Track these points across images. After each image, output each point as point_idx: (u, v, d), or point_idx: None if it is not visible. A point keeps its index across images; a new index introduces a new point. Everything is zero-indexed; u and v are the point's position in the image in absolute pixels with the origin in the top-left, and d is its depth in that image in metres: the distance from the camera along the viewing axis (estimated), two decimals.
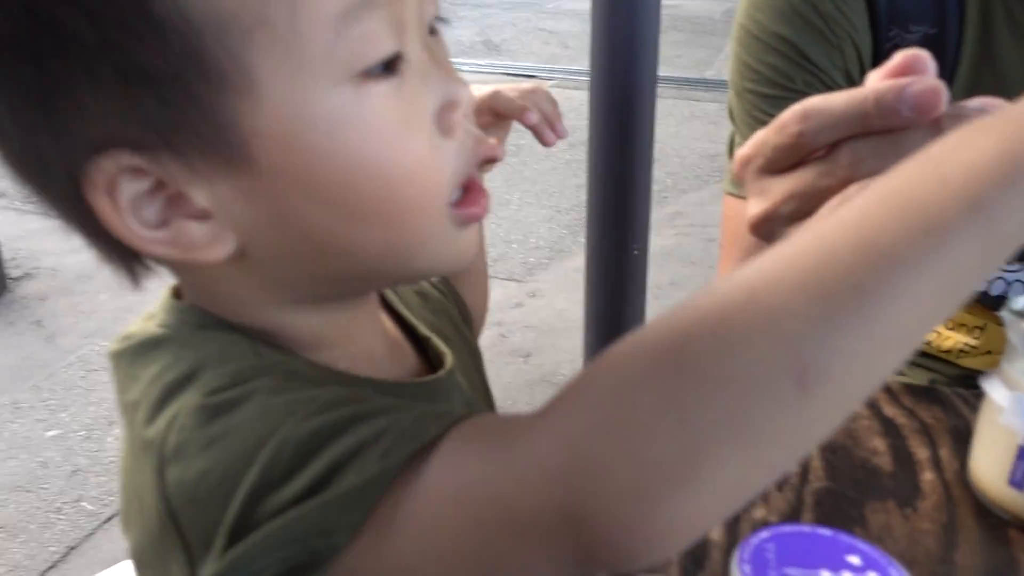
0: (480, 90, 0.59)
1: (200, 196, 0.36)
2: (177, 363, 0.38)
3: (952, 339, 0.87)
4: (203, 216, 0.37)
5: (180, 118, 0.34)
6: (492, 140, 0.43)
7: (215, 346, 0.39)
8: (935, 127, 0.39)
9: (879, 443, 0.59)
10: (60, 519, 1.76)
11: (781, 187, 0.43)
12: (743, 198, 0.81)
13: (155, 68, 0.33)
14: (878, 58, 0.74)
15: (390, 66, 0.36)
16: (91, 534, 1.73)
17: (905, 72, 0.40)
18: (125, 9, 0.32)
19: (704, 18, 6.58)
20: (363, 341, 0.46)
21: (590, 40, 1.54)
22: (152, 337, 0.41)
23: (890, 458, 0.57)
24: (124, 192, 0.35)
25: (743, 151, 0.46)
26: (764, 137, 0.44)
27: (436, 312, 0.57)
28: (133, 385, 0.39)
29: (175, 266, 0.42)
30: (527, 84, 0.61)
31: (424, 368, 0.51)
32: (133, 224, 0.36)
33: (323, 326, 0.43)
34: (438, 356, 0.51)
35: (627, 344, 0.29)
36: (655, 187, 3.54)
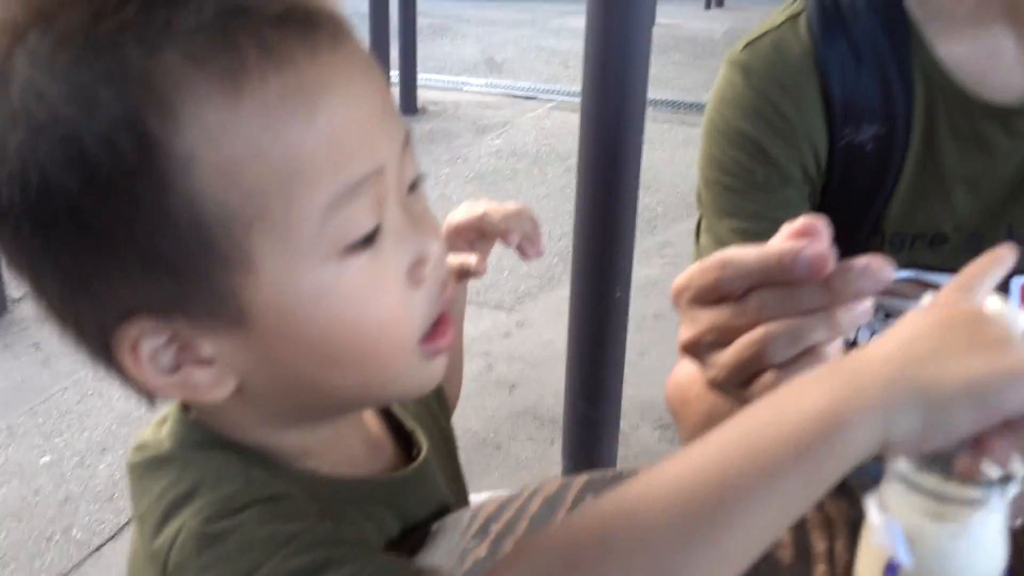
0: (471, 210, 0.67)
1: (206, 347, 0.43)
2: (179, 482, 0.45)
3: None
4: (208, 363, 0.44)
5: (192, 292, 0.41)
6: (453, 287, 0.50)
7: (212, 466, 0.46)
8: (825, 282, 0.45)
9: (786, 535, 0.63)
10: (50, 548, 1.81)
11: (704, 319, 0.49)
12: None
13: (172, 255, 0.40)
14: (833, 153, 0.80)
15: (369, 237, 0.43)
16: (80, 564, 1.77)
17: (805, 235, 0.46)
18: (150, 211, 0.39)
19: (704, 39, 6.63)
20: (344, 446, 0.53)
21: (582, 73, 1.59)
22: (160, 455, 0.48)
23: (792, 550, 0.62)
24: (144, 348, 0.42)
25: (678, 282, 0.52)
26: (691, 275, 0.50)
27: (417, 400, 0.63)
28: (143, 498, 0.46)
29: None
30: (512, 206, 0.68)
31: (402, 458, 0.58)
32: (150, 372, 0.43)
33: (308, 440, 0.50)
34: (416, 445, 0.58)
35: (536, 542, 0.37)
36: (645, 215, 3.61)
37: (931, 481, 0.42)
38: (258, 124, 0.39)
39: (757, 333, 0.47)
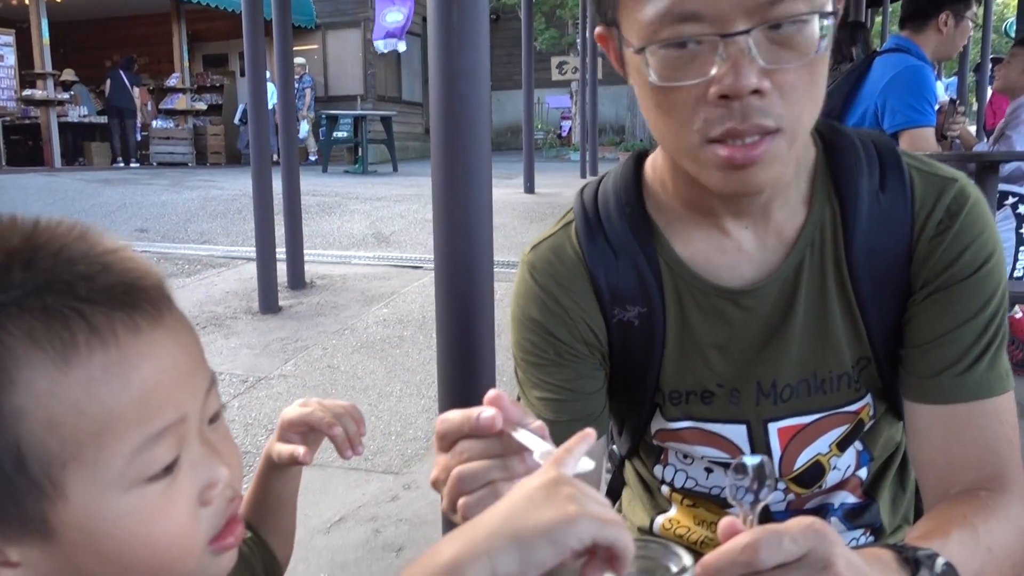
0: (302, 407, 0.79)
1: (13, 553, 0.50)
2: None
3: (696, 533, 1.04)
4: (13, 565, 0.50)
5: (6, 512, 0.48)
6: (236, 508, 0.58)
7: None
8: (500, 435, 0.61)
9: None
10: None
11: (440, 460, 0.62)
12: None
13: (3, 498, 0.47)
14: (610, 328, 0.96)
15: (168, 467, 0.52)
16: None
17: (490, 403, 0.61)
18: None
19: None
20: None
21: (432, 241, 1.75)
22: None
23: None
24: None
25: (437, 430, 0.65)
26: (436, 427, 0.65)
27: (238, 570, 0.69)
28: None
29: None
30: (341, 405, 0.81)
31: None
32: None
33: None
34: None
35: None
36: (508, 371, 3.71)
37: None
38: (80, 390, 0.47)
39: (454, 472, 0.62)
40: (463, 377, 1.79)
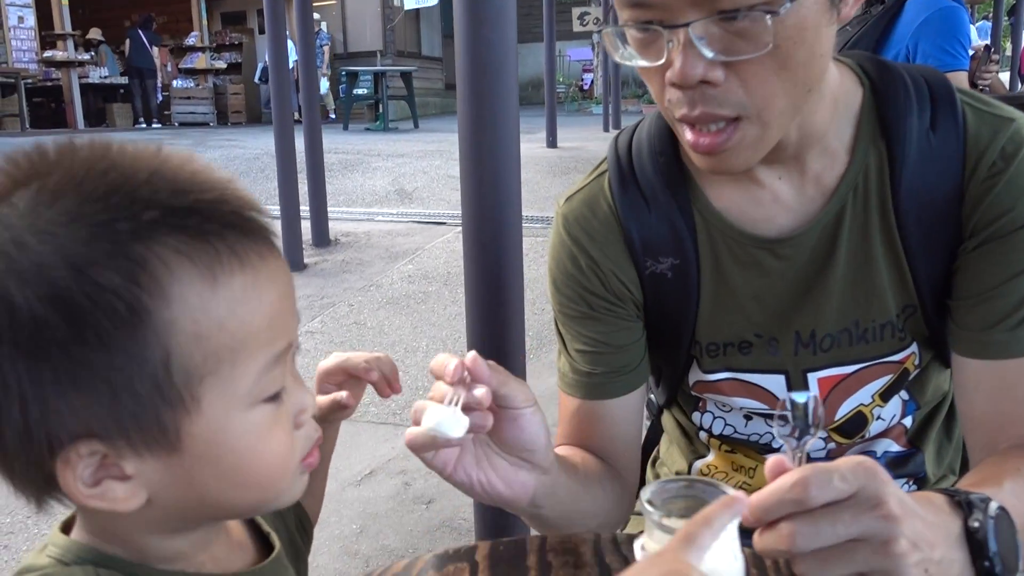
0: (338, 357, 0.81)
1: (129, 466, 0.51)
2: None
3: (734, 479, 1.04)
4: (127, 478, 0.51)
5: (144, 424, 0.50)
6: (319, 433, 0.61)
7: None
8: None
9: None
10: None
11: None
12: (569, 394, 0.98)
13: (137, 394, 0.49)
14: (643, 281, 0.95)
15: (275, 395, 0.55)
16: None
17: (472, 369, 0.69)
18: (128, 359, 0.48)
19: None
20: (212, 549, 0.61)
21: (457, 197, 1.73)
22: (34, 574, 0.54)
23: None
24: (81, 466, 0.50)
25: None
26: None
27: (275, 514, 0.72)
28: None
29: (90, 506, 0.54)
30: (376, 353, 0.82)
31: (261, 557, 0.66)
32: (79, 486, 0.50)
33: (184, 545, 0.58)
34: (272, 545, 0.66)
35: None
36: (545, 333, 3.74)
37: (676, 523, 0.54)
38: (224, 307, 0.51)
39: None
40: (493, 332, 1.79)
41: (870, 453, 0.99)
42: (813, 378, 0.94)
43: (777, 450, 0.99)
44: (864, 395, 0.94)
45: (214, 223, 0.51)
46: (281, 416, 0.55)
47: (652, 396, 1.16)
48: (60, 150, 0.51)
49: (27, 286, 0.46)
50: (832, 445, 0.98)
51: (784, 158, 0.86)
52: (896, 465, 1.00)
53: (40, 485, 0.52)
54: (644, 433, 1.19)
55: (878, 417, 0.96)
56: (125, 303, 0.47)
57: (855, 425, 0.97)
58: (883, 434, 0.99)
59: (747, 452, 1.03)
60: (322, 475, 0.87)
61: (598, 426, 0.98)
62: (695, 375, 0.99)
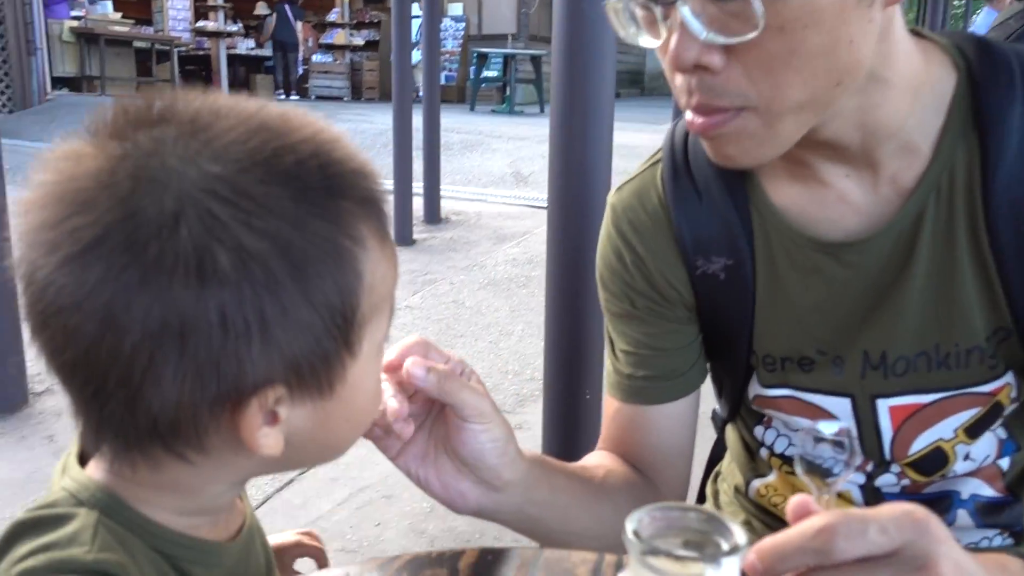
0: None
1: (284, 410, 0.52)
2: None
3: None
4: (275, 423, 0.52)
5: (327, 366, 0.52)
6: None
7: (78, 527, 0.50)
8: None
9: None
10: None
11: None
12: (611, 395, 0.92)
13: (332, 338, 0.52)
14: (694, 281, 0.86)
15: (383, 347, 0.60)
16: None
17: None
18: (327, 298, 0.51)
19: None
20: (222, 513, 0.60)
21: (548, 176, 1.69)
22: (50, 513, 0.52)
23: None
24: (260, 411, 0.50)
25: None
26: None
27: None
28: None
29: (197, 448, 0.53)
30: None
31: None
32: (257, 434, 0.51)
33: (224, 498, 0.58)
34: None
35: None
36: None
37: (662, 564, 0.47)
38: (384, 264, 0.55)
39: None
40: (571, 320, 1.74)
41: (953, 495, 0.87)
42: (883, 405, 0.83)
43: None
44: (944, 429, 0.82)
45: (376, 187, 0.55)
46: (381, 367, 0.62)
47: (717, 407, 1.07)
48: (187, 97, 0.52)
49: (252, 231, 0.48)
50: (907, 481, 0.86)
51: (849, 156, 0.76)
52: (986, 512, 0.87)
53: (168, 439, 0.50)
54: (705, 446, 1.11)
55: (965, 456, 0.84)
56: (336, 248, 0.51)
57: (933, 463, 0.85)
58: (972, 474, 0.86)
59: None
60: None
61: (637, 433, 0.91)
62: (755, 388, 0.89)
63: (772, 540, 0.50)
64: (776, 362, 0.86)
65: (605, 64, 1.66)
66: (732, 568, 0.46)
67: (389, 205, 0.58)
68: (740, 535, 0.49)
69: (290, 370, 0.50)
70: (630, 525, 0.49)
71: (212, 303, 0.47)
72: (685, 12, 0.63)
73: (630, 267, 0.88)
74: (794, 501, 0.52)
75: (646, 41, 0.70)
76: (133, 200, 0.46)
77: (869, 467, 0.87)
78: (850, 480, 0.88)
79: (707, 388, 0.95)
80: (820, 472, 0.53)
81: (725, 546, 0.49)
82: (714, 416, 1.08)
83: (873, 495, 0.88)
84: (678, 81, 0.70)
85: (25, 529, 0.50)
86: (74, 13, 11.08)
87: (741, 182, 0.83)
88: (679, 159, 0.86)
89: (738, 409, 0.96)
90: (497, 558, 0.63)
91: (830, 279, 0.81)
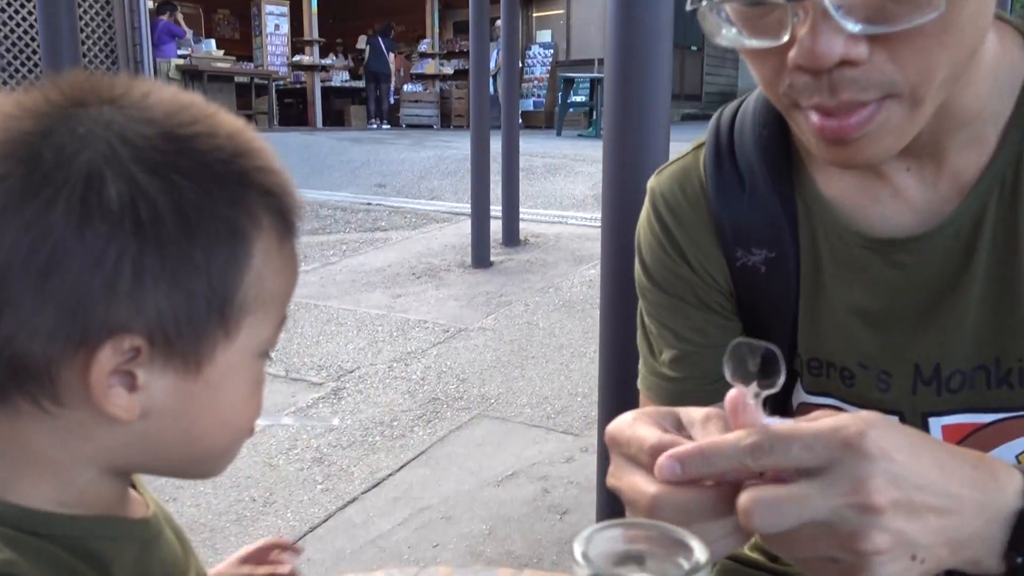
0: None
1: (144, 375, 0.50)
2: None
3: None
4: (133, 389, 0.51)
5: (195, 334, 0.51)
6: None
7: None
8: None
9: None
10: None
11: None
12: (646, 395, 0.88)
13: (207, 308, 0.51)
14: (733, 273, 0.81)
15: (267, 355, 0.58)
16: None
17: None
18: (218, 276, 0.51)
19: None
20: (113, 510, 0.57)
21: (601, 199, 1.65)
22: None
23: None
24: (111, 360, 0.49)
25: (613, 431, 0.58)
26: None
27: None
28: None
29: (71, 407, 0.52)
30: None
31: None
32: (100, 378, 0.49)
33: (87, 493, 0.54)
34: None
35: None
36: None
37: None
38: (279, 261, 0.55)
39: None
40: (624, 346, 1.70)
41: None
42: (936, 424, 0.75)
43: None
44: (1006, 454, 0.74)
45: (286, 189, 0.55)
46: (262, 377, 0.58)
47: None
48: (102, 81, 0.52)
49: (154, 178, 0.48)
50: None
51: (916, 147, 0.67)
52: None
53: (22, 378, 0.49)
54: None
55: None
56: (231, 220, 0.51)
57: None
58: None
59: None
60: None
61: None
62: (799, 395, 0.82)
63: (696, 444, 0.50)
64: (823, 367, 0.79)
65: (660, 75, 1.62)
66: None
67: (300, 220, 0.58)
68: (701, 552, 0.45)
69: (155, 326, 0.49)
70: (579, 547, 0.45)
71: (89, 236, 0.46)
72: (827, 3, 0.56)
73: (671, 253, 0.82)
74: (731, 393, 0.51)
75: (754, 42, 0.62)
76: (47, 140, 0.48)
77: None
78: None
79: None
80: (747, 376, 0.51)
81: (685, 565, 0.45)
82: None
83: None
84: (796, 81, 0.61)
85: None
86: (181, 51, 11.70)
87: (788, 171, 0.77)
88: (723, 145, 0.81)
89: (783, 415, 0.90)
90: None
91: (875, 280, 0.74)
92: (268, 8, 13.41)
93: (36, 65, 8.50)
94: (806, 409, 0.82)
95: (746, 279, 0.80)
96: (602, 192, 1.70)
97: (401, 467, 2.59)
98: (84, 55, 8.94)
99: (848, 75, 0.58)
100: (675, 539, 0.46)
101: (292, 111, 14.71)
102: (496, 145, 4.88)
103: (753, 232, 0.78)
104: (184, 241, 0.49)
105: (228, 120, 0.54)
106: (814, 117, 0.62)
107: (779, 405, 0.86)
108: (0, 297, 0.47)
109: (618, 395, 1.72)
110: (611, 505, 1.77)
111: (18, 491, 0.52)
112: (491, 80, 14.01)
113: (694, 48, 15.05)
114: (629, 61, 1.63)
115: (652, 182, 0.86)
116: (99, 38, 9.54)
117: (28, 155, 0.47)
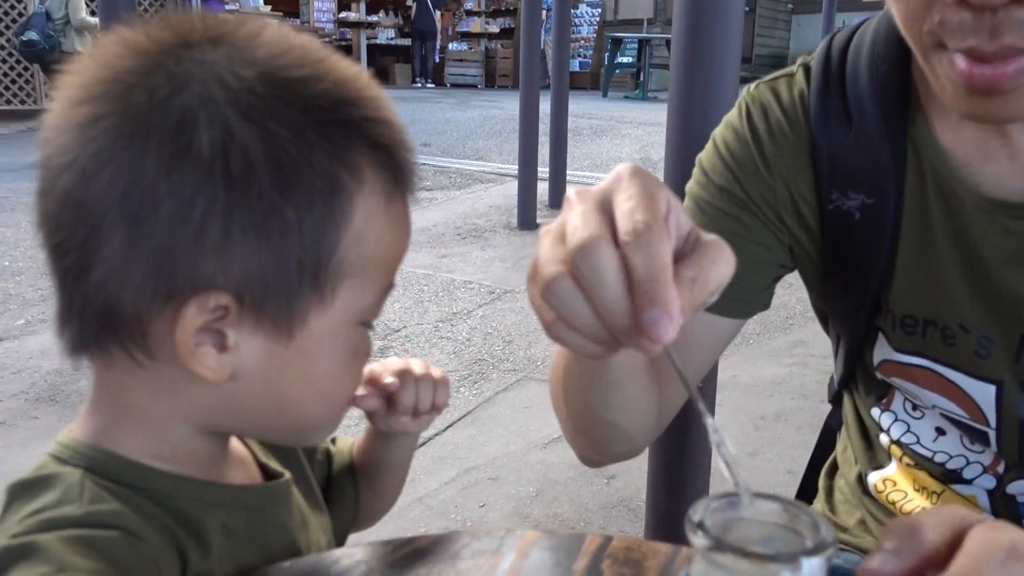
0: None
1: (234, 336, 0.49)
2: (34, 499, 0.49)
3: (914, 502, 0.84)
4: (223, 349, 0.49)
5: (287, 296, 0.49)
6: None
7: (66, 486, 0.49)
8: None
9: None
10: None
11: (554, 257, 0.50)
12: None
13: (300, 269, 0.48)
14: (823, 215, 0.75)
15: (370, 324, 0.55)
16: None
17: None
18: (312, 235, 0.48)
19: None
20: (210, 467, 0.56)
21: (654, 162, 1.61)
22: (39, 476, 0.50)
23: None
24: (199, 317, 0.47)
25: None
26: None
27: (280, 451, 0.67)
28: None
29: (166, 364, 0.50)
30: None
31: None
32: (188, 335, 0.48)
33: (180, 448, 0.53)
34: (276, 473, 0.62)
35: None
36: (782, 313, 3.48)
37: (731, 561, 0.41)
38: (384, 223, 0.52)
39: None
40: None
41: None
42: None
43: (968, 482, 0.79)
44: None
45: (398, 142, 0.52)
46: (363, 347, 0.55)
47: (834, 376, 0.95)
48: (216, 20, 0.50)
49: (249, 124, 0.46)
50: None
51: None
52: None
53: (116, 327, 0.48)
54: (811, 435, 1.00)
55: None
56: (330, 176, 0.48)
57: None
58: None
59: (932, 470, 0.81)
60: (390, 481, 0.79)
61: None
62: (882, 351, 0.77)
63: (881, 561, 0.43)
64: (918, 325, 0.74)
65: (731, 33, 1.56)
66: (815, 570, 0.39)
67: (420, 177, 0.55)
68: (827, 531, 0.41)
69: (243, 285, 0.47)
70: (695, 516, 0.42)
71: (178, 183, 0.45)
72: None
73: (756, 161, 0.76)
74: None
75: None
76: (144, 81, 0.46)
77: (1000, 468, 0.76)
78: (977, 484, 0.78)
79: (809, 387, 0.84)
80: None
81: (808, 543, 0.42)
82: (830, 385, 0.96)
83: (1004, 503, 0.77)
84: (949, 18, 0.56)
85: (15, 496, 0.49)
86: (228, 7, 11.71)
87: (902, 112, 0.72)
88: (834, 72, 0.75)
89: (853, 376, 0.85)
90: (564, 541, 0.58)
91: (982, 243, 0.70)
92: None
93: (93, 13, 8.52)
94: (889, 368, 0.78)
95: (838, 224, 0.75)
96: (665, 156, 1.64)
97: (447, 427, 2.60)
98: (138, 3, 8.99)
99: (1017, 17, 0.53)
100: (800, 514, 0.43)
101: None
102: (543, 106, 4.81)
103: (854, 173, 0.73)
104: (276, 195, 0.46)
105: (341, 65, 0.51)
106: (961, 63, 0.57)
107: (851, 363, 0.83)
108: (93, 241, 0.46)
109: None
110: (661, 472, 1.75)
111: (116, 441, 0.52)
112: None
113: (747, 9, 14.63)
114: (700, 17, 1.57)
115: (752, 92, 0.80)
116: None
117: (124, 95, 0.46)
